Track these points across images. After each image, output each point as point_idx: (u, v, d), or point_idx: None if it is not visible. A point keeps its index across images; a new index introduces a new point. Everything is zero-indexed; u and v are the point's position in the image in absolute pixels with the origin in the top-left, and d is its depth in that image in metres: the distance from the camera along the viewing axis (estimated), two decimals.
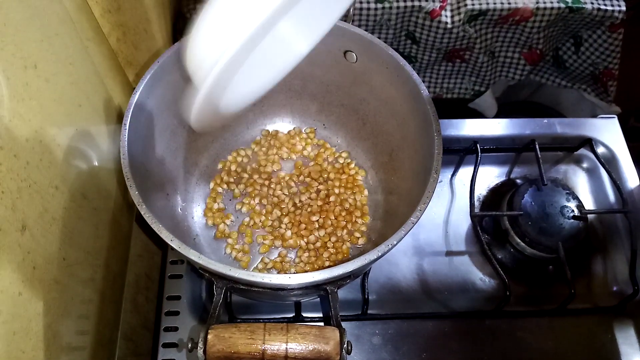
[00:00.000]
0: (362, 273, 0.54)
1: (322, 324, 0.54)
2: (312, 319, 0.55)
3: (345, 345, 0.34)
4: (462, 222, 0.62)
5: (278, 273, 0.56)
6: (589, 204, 0.65)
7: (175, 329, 0.53)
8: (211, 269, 0.36)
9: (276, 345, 0.33)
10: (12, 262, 0.35)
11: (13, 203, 0.35)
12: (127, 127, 0.44)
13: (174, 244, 0.37)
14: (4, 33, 0.35)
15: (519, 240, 0.59)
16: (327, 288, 0.39)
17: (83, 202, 0.46)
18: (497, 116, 0.91)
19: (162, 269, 0.58)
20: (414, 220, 0.40)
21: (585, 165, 0.67)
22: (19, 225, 0.36)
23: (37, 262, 0.38)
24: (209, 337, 0.33)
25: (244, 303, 0.55)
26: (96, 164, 0.50)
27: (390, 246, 0.39)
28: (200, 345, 0.33)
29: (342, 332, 0.35)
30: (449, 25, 0.75)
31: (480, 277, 0.59)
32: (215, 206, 0.59)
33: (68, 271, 0.43)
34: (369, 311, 0.55)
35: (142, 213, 0.39)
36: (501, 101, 0.93)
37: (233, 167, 0.61)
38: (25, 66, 0.38)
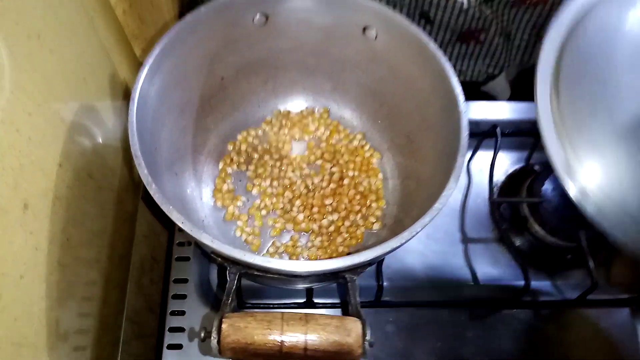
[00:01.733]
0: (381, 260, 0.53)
1: (336, 310, 0.53)
2: (324, 305, 0.53)
3: (367, 337, 0.32)
4: (479, 208, 0.60)
5: (290, 257, 0.54)
6: None
7: (182, 312, 0.51)
8: (226, 253, 0.34)
9: (295, 336, 0.31)
10: (14, 243, 0.33)
11: (15, 180, 0.33)
12: (136, 102, 0.41)
13: (186, 226, 0.35)
14: None
15: (538, 228, 0.57)
16: (347, 276, 0.37)
17: (88, 180, 0.44)
18: (511, 99, 0.89)
19: (168, 251, 0.56)
20: (438, 207, 0.38)
21: None
22: (21, 204, 0.34)
23: (39, 243, 0.36)
24: (223, 326, 0.31)
25: (254, 287, 0.53)
26: (101, 141, 0.48)
27: (414, 233, 0.37)
28: (214, 335, 0.31)
29: (363, 323, 0.33)
30: (465, 6, 0.72)
31: (497, 265, 0.58)
32: (225, 187, 0.56)
33: (72, 253, 0.41)
34: (383, 298, 0.53)
35: (151, 193, 0.37)
36: (515, 85, 0.90)
37: (243, 147, 0.59)
38: (29, 36, 0.36)
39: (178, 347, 0.50)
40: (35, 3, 0.36)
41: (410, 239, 0.38)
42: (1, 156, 0.31)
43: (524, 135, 0.63)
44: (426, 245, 0.58)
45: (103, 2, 0.49)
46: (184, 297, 0.52)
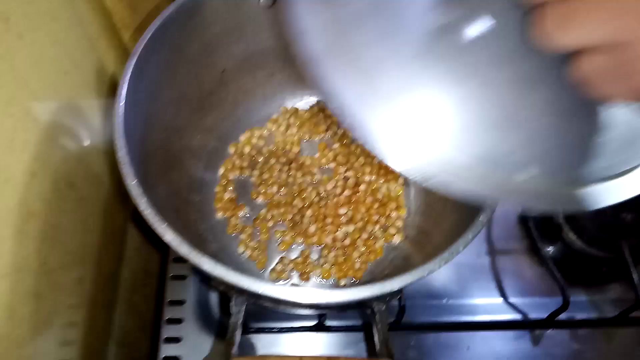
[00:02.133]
0: None
1: (356, 335, 0.47)
2: (339, 328, 0.47)
3: None
4: (507, 216, 0.55)
5: (300, 276, 0.48)
6: None
7: (178, 340, 0.45)
8: (231, 282, 0.28)
9: None
10: None
11: None
12: (123, 99, 0.35)
13: (183, 250, 0.29)
14: None
15: (574, 237, 0.52)
16: (374, 306, 0.31)
17: (68, 191, 0.38)
18: None
19: (162, 268, 0.50)
20: (483, 221, 0.32)
21: None
22: None
23: (5, 271, 0.30)
24: None
25: (257, 311, 0.47)
26: (84, 144, 0.43)
27: (455, 253, 0.31)
28: None
29: None
30: None
31: (528, 280, 0.52)
32: (226, 196, 0.50)
33: (49, 278, 0.35)
34: (404, 320, 0.47)
35: (140, 209, 0.31)
36: None
37: (246, 150, 0.53)
38: None
39: None
40: None
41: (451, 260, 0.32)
42: None
43: None
44: None
45: None
46: (180, 321, 0.46)
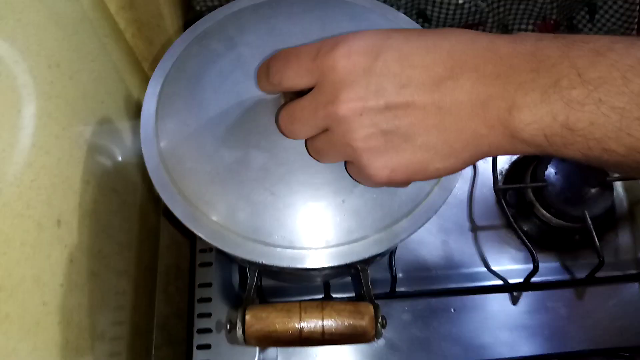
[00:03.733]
0: (390, 252, 0.55)
1: None
2: (342, 299, 0.55)
3: (380, 320, 0.35)
4: (486, 197, 0.62)
5: None
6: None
7: (209, 315, 0.54)
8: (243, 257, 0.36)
9: (313, 322, 0.33)
10: (51, 255, 0.36)
11: (49, 198, 0.36)
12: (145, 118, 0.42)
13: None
14: (27, 33, 0.36)
15: (544, 212, 0.59)
16: (358, 266, 0.39)
17: (113, 195, 0.47)
18: None
19: (191, 258, 0.59)
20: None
21: None
22: (55, 219, 0.37)
23: (74, 255, 0.39)
24: (247, 317, 0.34)
25: (275, 286, 0.56)
26: (121, 159, 0.51)
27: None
28: (239, 325, 0.34)
29: (376, 306, 0.35)
30: (460, 1, 0.74)
31: (507, 251, 0.60)
32: None
33: (104, 263, 0.44)
34: (398, 289, 0.55)
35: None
36: None
37: None
38: (49, 65, 0.39)
39: (207, 347, 0.53)
40: (52, 34, 0.40)
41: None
42: (35, 177, 0.34)
43: None
44: (436, 236, 0.60)
45: (114, 27, 0.52)
46: (209, 300, 0.55)
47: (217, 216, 0.36)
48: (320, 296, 0.55)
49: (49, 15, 0.39)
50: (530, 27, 0.82)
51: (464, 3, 0.75)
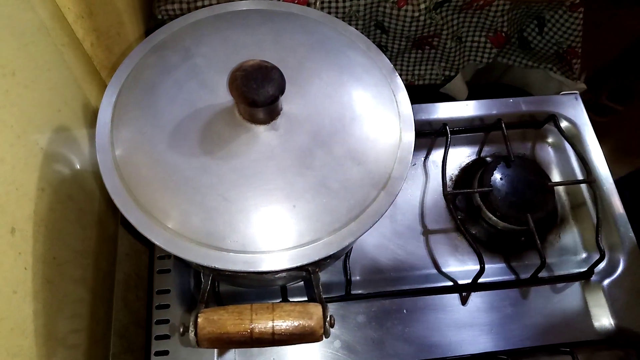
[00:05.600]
0: (343, 254, 0.57)
1: None
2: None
3: (328, 319, 0.36)
4: (436, 202, 0.65)
5: None
6: (555, 177, 0.68)
7: (167, 321, 0.55)
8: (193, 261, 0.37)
9: (263, 323, 0.35)
10: (4, 263, 0.36)
11: (2, 206, 0.36)
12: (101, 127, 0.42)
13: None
14: None
15: (490, 215, 0.62)
16: (309, 268, 0.41)
17: (69, 203, 0.48)
18: (467, 99, 0.94)
19: (150, 265, 0.59)
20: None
21: (550, 140, 0.70)
22: (9, 227, 0.37)
23: (28, 263, 0.39)
24: (199, 320, 0.35)
25: (233, 292, 0.57)
26: (78, 167, 0.51)
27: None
28: (192, 328, 0.35)
29: (324, 307, 0.37)
30: (416, 14, 0.77)
31: (456, 253, 0.62)
32: None
33: (59, 270, 0.44)
34: (353, 291, 0.57)
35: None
36: (471, 85, 0.96)
37: None
38: (4, 74, 0.39)
39: (165, 353, 0.53)
40: (8, 43, 0.40)
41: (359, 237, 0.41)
42: None
43: (473, 132, 0.68)
44: (390, 239, 0.62)
45: (71, 37, 0.52)
46: (167, 306, 0.55)
47: (172, 222, 0.37)
48: (278, 300, 0.56)
49: (4, 25, 0.40)
50: (483, 39, 0.86)
51: (419, 16, 0.78)
